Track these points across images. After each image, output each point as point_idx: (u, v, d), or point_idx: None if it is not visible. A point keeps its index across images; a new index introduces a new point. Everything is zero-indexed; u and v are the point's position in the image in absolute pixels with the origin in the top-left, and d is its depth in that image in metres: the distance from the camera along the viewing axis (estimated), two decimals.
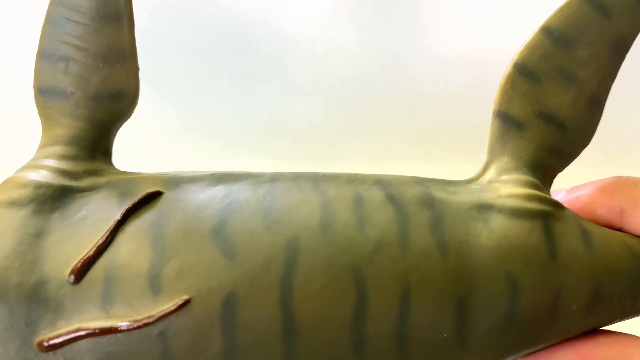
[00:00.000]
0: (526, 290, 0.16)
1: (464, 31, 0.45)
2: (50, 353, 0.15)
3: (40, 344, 0.15)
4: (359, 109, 0.48)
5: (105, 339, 0.15)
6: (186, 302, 0.15)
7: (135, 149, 0.48)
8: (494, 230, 0.17)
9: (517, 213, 0.17)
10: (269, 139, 0.49)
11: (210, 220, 0.16)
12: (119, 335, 0.15)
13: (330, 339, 0.15)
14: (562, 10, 0.18)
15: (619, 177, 0.18)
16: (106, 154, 0.18)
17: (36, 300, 0.15)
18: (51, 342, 0.15)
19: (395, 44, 0.45)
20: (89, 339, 0.15)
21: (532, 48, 0.18)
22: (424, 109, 0.47)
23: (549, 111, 0.18)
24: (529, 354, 0.18)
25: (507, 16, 0.44)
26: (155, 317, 0.15)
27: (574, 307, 0.17)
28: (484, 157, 0.19)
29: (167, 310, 0.15)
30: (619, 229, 0.18)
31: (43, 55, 0.18)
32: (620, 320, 0.18)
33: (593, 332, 0.18)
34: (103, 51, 0.18)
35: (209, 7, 0.44)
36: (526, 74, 0.18)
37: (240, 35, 0.45)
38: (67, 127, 0.18)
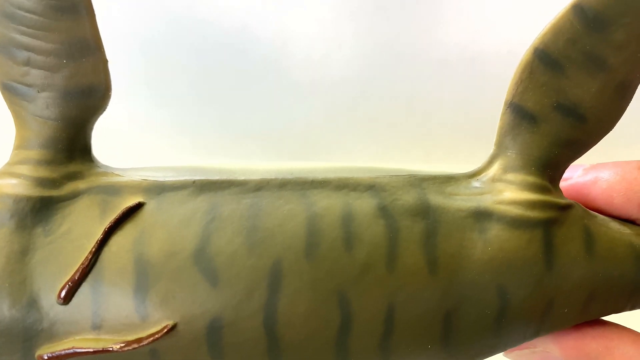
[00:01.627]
0: (517, 301, 0.16)
1: (465, 31, 0.45)
2: None
3: (40, 358, 0.16)
4: (359, 110, 0.48)
5: (99, 357, 0.15)
6: (172, 327, 0.15)
7: (133, 149, 0.48)
8: (490, 242, 0.16)
9: (516, 223, 0.16)
10: (268, 139, 0.49)
11: (192, 241, 0.16)
12: (112, 354, 0.15)
13: (314, 355, 0.16)
14: None
15: None
16: (85, 150, 0.18)
17: (31, 318, 0.15)
18: (49, 358, 0.15)
19: (396, 44, 0.45)
20: (84, 358, 0.15)
21: (559, 31, 0.16)
22: (425, 109, 0.47)
23: (569, 102, 0.17)
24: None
25: (509, 16, 0.43)
26: (144, 342, 0.15)
27: (566, 310, 0.17)
28: (484, 158, 0.18)
29: (155, 337, 0.15)
30: (633, 221, 0.18)
31: (2, 48, 0.17)
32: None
33: (577, 325, 0.18)
34: (64, 46, 0.16)
35: (207, 6, 0.44)
36: (547, 62, 0.16)
37: (239, 36, 0.45)
38: (40, 127, 0.17)
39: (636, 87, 0.17)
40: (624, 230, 0.18)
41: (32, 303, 0.16)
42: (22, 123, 0.17)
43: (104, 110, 0.18)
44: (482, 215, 0.17)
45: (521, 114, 0.17)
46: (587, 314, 0.17)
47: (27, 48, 0.16)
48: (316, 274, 0.16)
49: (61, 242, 0.16)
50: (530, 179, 0.17)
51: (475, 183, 0.17)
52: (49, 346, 0.16)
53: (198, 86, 0.47)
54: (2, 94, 0.17)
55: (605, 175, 0.18)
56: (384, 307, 0.16)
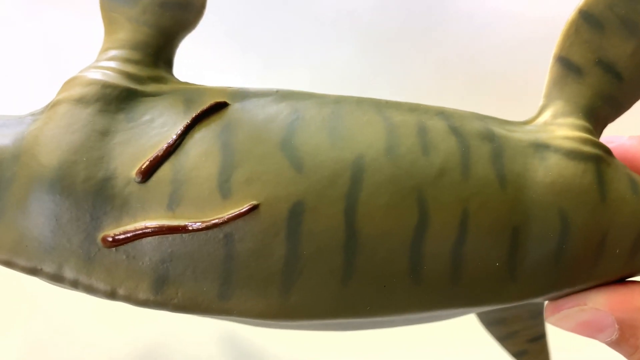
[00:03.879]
0: (576, 227, 0.17)
1: None
2: (113, 249, 0.15)
3: (104, 239, 0.15)
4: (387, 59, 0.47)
5: (170, 238, 0.15)
6: (255, 207, 0.15)
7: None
8: (550, 168, 0.17)
9: (572, 154, 0.18)
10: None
11: (278, 133, 0.16)
12: (184, 236, 0.15)
13: (389, 255, 0.16)
14: None
15: None
16: (169, 64, 0.18)
17: (102, 195, 0.15)
18: (116, 237, 0.15)
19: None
20: (152, 238, 0.15)
21: None
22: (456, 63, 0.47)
23: (608, 60, 0.19)
24: (564, 295, 0.18)
25: None
26: (225, 219, 0.15)
27: (617, 250, 0.17)
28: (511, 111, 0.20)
29: (237, 213, 0.15)
30: None
31: None
32: None
33: (625, 281, 0.18)
34: None
35: None
36: (590, 21, 0.19)
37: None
38: (133, 31, 0.18)
39: None
40: None
41: (107, 179, 0.15)
42: (115, 28, 0.18)
43: (194, 27, 0.19)
44: (540, 147, 0.18)
45: (568, 66, 0.19)
46: (634, 261, 0.18)
47: None
48: (396, 171, 0.16)
49: (143, 128, 0.16)
50: (579, 122, 0.19)
51: (529, 127, 0.19)
52: (116, 226, 0.15)
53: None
54: (102, 2, 0.18)
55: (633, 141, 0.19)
56: (459, 211, 0.16)
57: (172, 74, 0.18)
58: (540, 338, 0.26)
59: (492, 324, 0.26)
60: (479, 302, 0.17)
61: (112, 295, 0.16)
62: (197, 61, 0.38)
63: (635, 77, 0.19)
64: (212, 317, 0.16)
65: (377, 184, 0.16)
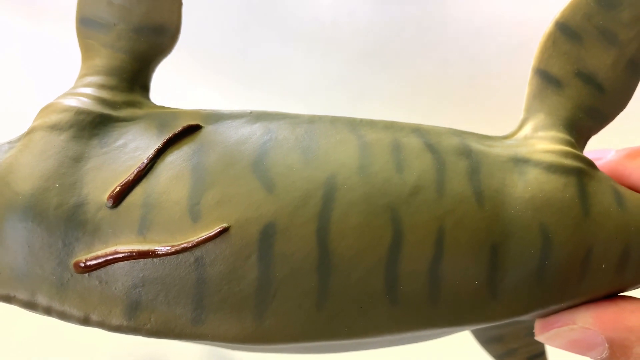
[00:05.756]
0: (558, 243, 0.16)
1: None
2: (86, 275, 0.15)
3: (76, 265, 0.15)
4: (377, 73, 0.47)
5: (141, 263, 0.15)
6: (225, 230, 0.15)
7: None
8: (530, 183, 0.17)
9: (552, 168, 0.17)
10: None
11: (250, 154, 0.16)
12: (155, 260, 0.15)
13: (364, 275, 0.15)
14: None
15: None
16: (145, 88, 0.19)
17: (74, 221, 0.15)
18: (88, 263, 0.15)
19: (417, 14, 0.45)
20: (124, 263, 0.15)
21: (576, 7, 0.19)
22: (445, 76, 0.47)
23: (588, 71, 0.19)
24: (552, 312, 0.17)
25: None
26: (194, 242, 0.15)
27: (604, 265, 0.17)
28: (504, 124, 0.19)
29: (206, 236, 0.15)
30: None
31: None
32: None
33: (614, 297, 0.18)
34: None
35: None
36: (568, 33, 0.19)
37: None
38: (108, 57, 0.18)
39: None
40: None
41: (79, 205, 0.15)
42: (91, 54, 0.18)
43: (169, 52, 0.19)
44: (519, 161, 0.17)
45: (547, 78, 0.19)
46: (622, 276, 0.17)
47: None
48: (369, 189, 0.16)
49: (116, 153, 0.16)
50: (560, 135, 0.18)
51: (509, 141, 0.19)
52: (88, 252, 0.15)
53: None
54: (78, 29, 0.18)
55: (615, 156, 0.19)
56: (434, 228, 0.16)
57: (148, 98, 0.19)
58: (540, 356, 0.26)
59: (488, 342, 0.26)
60: (460, 321, 0.16)
61: (85, 321, 0.16)
62: (180, 81, 0.38)
63: (617, 88, 0.19)
64: (187, 342, 0.16)
65: (350, 203, 0.16)
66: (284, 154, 0.16)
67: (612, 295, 0.18)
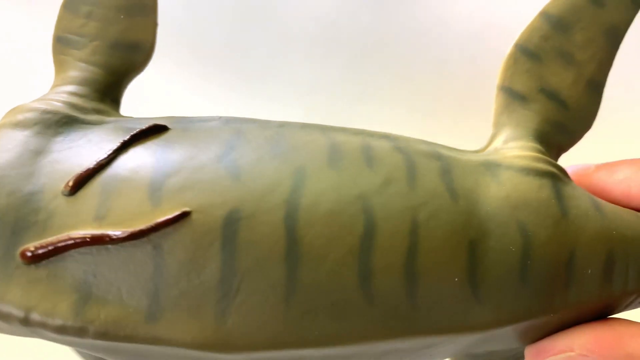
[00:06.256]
0: (539, 242, 0.16)
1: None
2: (33, 266, 0.14)
3: (23, 254, 0.14)
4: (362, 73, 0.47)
5: (94, 251, 0.14)
6: (186, 214, 0.14)
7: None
8: (503, 183, 0.17)
9: (525, 171, 0.17)
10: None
11: (218, 147, 0.16)
12: (110, 248, 0.14)
13: (335, 267, 0.14)
14: None
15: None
16: (116, 102, 0.18)
17: (26, 208, 0.14)
18: (37, 251, 0.14)
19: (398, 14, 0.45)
20: (76, 252, 0.14)
21: (532, 30, 0.19)
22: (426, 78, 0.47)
23: (550, 88, 0.19)
24: (541, 331, 0.17)
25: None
26: (151, 225, 0.14)
27: (589, 271, 0.16)
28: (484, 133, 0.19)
29: (165, 219, 0.14)
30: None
31: (68, 4, 0.19)
32: (637, 299, 0.17)
33: (608, 318, 0.17)
34: (127, 4, 0.18)
35: None
36: (527, 53, 0.19)
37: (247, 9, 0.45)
38: (81, 70, 0.18)
39: (602, 88, 0.20)
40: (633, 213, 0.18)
41: (34, 193, 0.15)
42: (64, 68, 0.18)
43: (142, 70, 0.19)
44: (491, 165, 0.17)
45: (512, 94, 0.19)
46: (610, 284, 0.17)
47: (93, 3, 0.18)
48: (339, 179, 0.15)
49: (79, 149, 0.16)
50: (530, 144, 0.18)
51: (479, 153, 0.18)
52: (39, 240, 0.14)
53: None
54: (54, 46, 0.19)
55: (622, 167, 0.19)
56: (408, 219, 0.15)
57: (117, 111, 0.18)
58: None
59: None
60: (442, 327, 0.15)
61: (25, 321, 0.14)
62: (179, 81, 0.38)
63: (581, 106, 0.19)
64: (139, 349, 0.14)
65: (320, 191, 0.15)
66: (252, 148, 0.16)
67: (604, 313, 0.17)
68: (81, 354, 0.18)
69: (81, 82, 0.18)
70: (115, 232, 0.14)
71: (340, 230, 0.15)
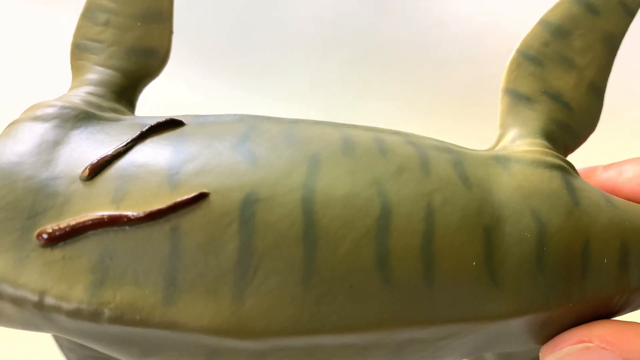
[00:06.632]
0: (553, 229, 0.16)
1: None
2: (49, 248, 0.14)
3: (39, 235, 0.14)
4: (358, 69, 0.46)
5: (111, 233, 0.14)
6: (204, 195, 0.14)
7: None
8: (515, 174, 0.17)
9: (535, 163, 0.17)
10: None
11: (233, 136, 0.16)
12: (127, 230, 0.14)
13: (353, 248, 0.15)
14: (557, 6, 0.21)
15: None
16: (131, 104, 0.19)
17: (44, 193, 0.15)
18: (54, 232, 0.14)
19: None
20: (92, 234, 0.14)
21: (533, 37, 0.20)
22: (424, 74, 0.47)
23: (553, 91, 0.20)
24: (562, 329, 0.16)
25: None
26: (170, 205, 0.14)
27: (605, 260, 0.16)
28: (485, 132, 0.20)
29: (183, 199, 0.14)
30: None
31: (87, 13, 0.19)
32: None
33: (632, 323, 0.16)
34: (143, 12, 0.19)
35: None
36: (529, 57, 0.20)
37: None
38: (99, 73, 0.19)
39: (603, 93, 0.20)
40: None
41: (52, 179, 0.15)
42: (82, 72, 0.19)
43: (157, 75, 0.20)
44: (501, 159, 0.18)
45: (517, 96, 0.20)
46: (627, 274, 0.17)
47: (111, 11, 0.19)
48: (354, 165, 0.16)
49: (97, 141, 0.16)
50: (537, 141, 0.19)
51: (489, 151, 0.19)
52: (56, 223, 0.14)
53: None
54: (72, 52, 0.19)
55: (630, 166, 0.19)
56: (423, 204, 0.15)
57: (132, 113, 0.19)
58: None
59: None
60: (461, 313, 0.15)
61: (39, 305, 0.14)
62: (179, 81, 0.38)
63: (584, 108, 0.20)
64: (154, 334, 0.14)
65: (336, 175, 0.15)
66: (267, 138, 0.16)
67: (619, 310, 0.17)
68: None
69: (98, 84, 0.18)
70: (132, 213, 0.14)
71: (357, 213, 0.15)
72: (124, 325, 0.14)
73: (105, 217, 0.14)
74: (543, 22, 0.20)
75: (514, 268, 0.15)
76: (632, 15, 0.21)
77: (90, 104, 0.17)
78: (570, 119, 0.19)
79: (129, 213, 0.14)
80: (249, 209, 0.14)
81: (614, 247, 0.16)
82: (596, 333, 0.16)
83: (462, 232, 0.15)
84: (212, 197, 0.14)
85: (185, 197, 0.14)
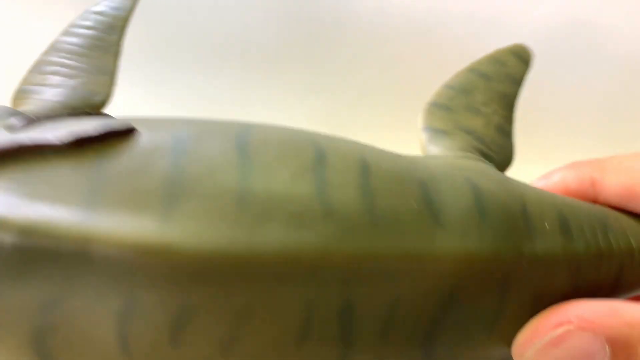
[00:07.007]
0: (488, 191, 0.16)
1: None
2: None
3: None
4: None
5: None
6: (133, 129, 0.15)
7: None
8: (442, 158, 0.18)
9: (457, 157, 0.19)
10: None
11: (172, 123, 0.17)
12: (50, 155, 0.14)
13: (290, 178, 0.14)
14: (456, 76, 0.23)
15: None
16: None
17: None
18: None
19: None
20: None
21: (440, 94, 0.22)
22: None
23: (466, 128, 0.21)
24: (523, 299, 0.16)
25: None
26: (99, 133, 0.15)
27: (546, 225, 0.16)
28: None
29: (115, 129, 0.15)
30: (594, 201, 0.19)
31: (34, 69, 0.20)
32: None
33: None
34: (88, 66, 0.20)
35: None
36: (439, 106, 0.22)
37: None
38: (40, 105, 0.19)
39: (512, 132, 0.22)
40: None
41: None
42: (22, 106, 0.19)
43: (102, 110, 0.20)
44: (428, 155, 0.19)
45: (434, 131, 0.21)
46: (571, 242, 0.17)
47: (59, 64, 0.20)
48: (285, 129, 0.16)
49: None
50: (460, 153, 0.20)
51: None
52: None
53: None
54: (13, 98, 0.20)
55: (557, 171, 0.21)
56: (357, 157, 0.16)
57: None
58: None
59: None
60: (406, 247, 0.14)
61: None
62: (178, 81, 0.38)
63: (496, 143, 0.21)
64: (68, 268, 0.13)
65: (267, 131, 0.16)
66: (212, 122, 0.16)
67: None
68: None
69: (34, 112, 0.18)
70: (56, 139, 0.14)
71: (292, 151, 0.15)
72: (34, 246, 0.12)
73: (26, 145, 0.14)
74: (446, 86, 0.23)
75: (457, 213, 0.15)
76: (518, 84, 0.24)
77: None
78: (487, 149, 0.21)
79: (52, 139, 0.14)
80: (183, 146, 0.14)
81: (551, 215, 0.17)
82: (574, 313, 0.15)
83: (398, 179, 0.15)
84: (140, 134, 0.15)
85: (116, 128, 0.14)
